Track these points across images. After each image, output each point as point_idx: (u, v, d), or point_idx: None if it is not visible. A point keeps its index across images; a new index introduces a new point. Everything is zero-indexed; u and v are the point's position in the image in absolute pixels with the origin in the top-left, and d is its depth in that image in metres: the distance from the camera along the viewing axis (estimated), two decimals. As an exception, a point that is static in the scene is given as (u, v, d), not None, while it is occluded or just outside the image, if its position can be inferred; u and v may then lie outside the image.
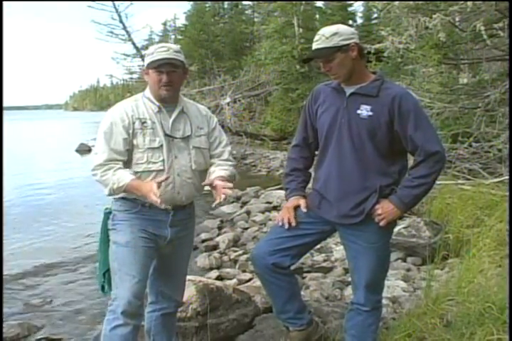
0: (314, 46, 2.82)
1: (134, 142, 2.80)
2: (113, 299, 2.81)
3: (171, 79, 2.80)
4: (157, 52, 2.79)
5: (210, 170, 3.02)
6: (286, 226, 2.95)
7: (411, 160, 2.93)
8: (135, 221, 2.85)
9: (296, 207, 3.00)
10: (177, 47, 2.90)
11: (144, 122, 2.83)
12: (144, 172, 2.80)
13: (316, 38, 2.81)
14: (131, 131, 2.80)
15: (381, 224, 2.80)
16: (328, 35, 2.76)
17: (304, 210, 2.97)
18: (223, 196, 2.70)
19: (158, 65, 2.77)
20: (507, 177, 7.08)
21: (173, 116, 2.90)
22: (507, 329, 2.81)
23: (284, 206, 3.09)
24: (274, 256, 2.90)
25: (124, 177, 2.70)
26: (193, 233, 3.20)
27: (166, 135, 2.84)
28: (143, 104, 2.89)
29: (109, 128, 2.80)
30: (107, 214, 2.94)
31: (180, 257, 3.11)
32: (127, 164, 2.83)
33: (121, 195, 2.84)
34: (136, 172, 2.79)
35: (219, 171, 2.95)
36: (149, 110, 2.87)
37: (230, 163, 3.07)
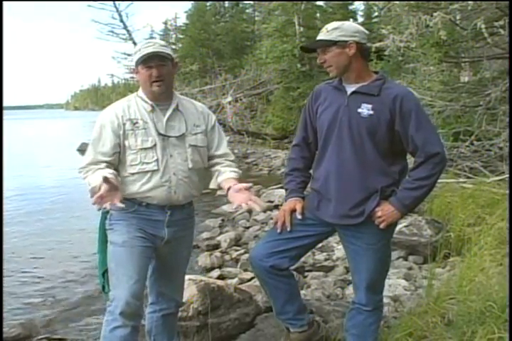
0: (317, 37, 2.85)
1: (126, 143, 2.80)
2: (111, 300, 2.79)
3: (160, 73, 2.79)
4: (143, 48, 2.79)
5: (220, 169, 3.01)
6: (279, 230, 2.95)
7: (410, 159, 2.93)
8: (132, 220, 2.84)
9: (294, 210, 2.99)
10: (162, 42, 2.93)
11: (136, 123, 2.82)
12: (139, 174, 2.80)
13: (322, 29, 2.84)
14: (121, 132, 2.79)
15: (381, 226, 2.79)
16: (330, 29, 2.78)
17: (299, 217, 2.95)
18: (245, 206, 2.69)
19: (146, 59, 2.76)
20: (508, 175, 7.08)
21: (167, 114, 2.89)
22: (507, 328, 2.80)
23: (281, 208, 3.08)
24: (272, 258, 2.89)
25: (95, 179, 2.64)
26: (192, 234, 3.19)
27: (159, 134, 2.83)
28: (135, 103, 2.88)
29: (99, 132, 2.82)
30: (105, 214, 2.93)
31: (179, 258, 3.10)
32: (120, 166, 2.83)
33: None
34: (131, 174, 2.80)
35: (230, 173, 2.96)
36: (141, 110, 2.86)
37: (235, 164, 3.09)
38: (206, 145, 3.01)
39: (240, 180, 2.96)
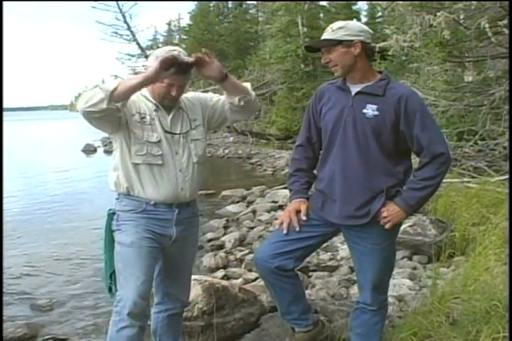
0: (321, 37, 2.84)
1: (134, 131, 2.78)
2: (118, 300, 2.79)
3: (179, 93, 2.82)
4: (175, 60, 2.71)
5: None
6: (285, 231, 2.94)
7: (414, 159, 2.93)
8: (140, 221, 2.84)
9: (298, 211, 2.98)
10: (185, 54, 2.83)
11: (144, 117, 2.82)
12: (144, 165, 2.79)
13: (326, 29, 2.84)
14: (129, 117, 2.77)
15: (386, 226, 2.79)
16: (334, 28, 2.77)
17: (304, 218, 2.94)
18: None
19: (171, 76, 2.73)
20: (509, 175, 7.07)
21: (172, 113, 2.90)
22: (507, 327, 2.80)
23: (286, 209, 3.08)
24: (277, 259, 2.89)
25: (111, 82, 2.62)
26: (197, 232, 3.19)
27: (165, 131, 2.84)
28: (139, 101, 2.87)
29: None
30: (111, 215, 2.92)
31: (185, 257, 3.10)
32: (125, 155, 2.81)
33: (126, 191, 2.85)
34: (135, 164, 2.79)
35: None
36: (147, 107, 2.86)
37: None
38: (204, 137, 3.03)
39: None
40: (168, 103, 2.85)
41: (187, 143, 2.91)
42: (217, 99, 3.08)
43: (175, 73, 2.67)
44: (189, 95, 3.11)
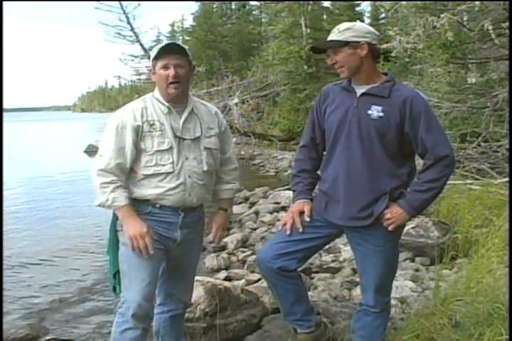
0: (328, 38, 2.84)
1: (142, 146, 2.77)
2: (122, 301, 2.80)
3: (177, 74, 2.75)
4: (161, 43, 2.80)
5: (217, 188, 3.14)
6: (288, 232, 2.94)
7: (418, 161, 2.92)
8: (145, 222, 2.84)
9: (302, 212, 2.98)
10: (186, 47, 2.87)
11: (153, 124, 2.79)
12: (154, 175, 2.79)
13: (332, 30, 2.84)
14: (139, 134, 2.77)
15: (390, 228, 2.79)
16: (341, 29, 2.77)
17: (307, 219, 2.94)
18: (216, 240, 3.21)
19: (165, 51, 2.74)
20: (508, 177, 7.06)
21: (183, 116, 2.86)
22: (507, 328, 2.80)
23: (289, 210, 3.08)
24: (279, 259, 2.89)
25: (120, 199, 2.72)
26: (202, 235, 3.18)
27: (176, 137, 2.82)
28: (151, 104, 2.85)
29: (118, 132, 2.76)
30: (116, 215, 2.92)
31: (189, 259, 3.09)
32: (135, 167, 2.81)
33: (133, 195, 2.83)
34: (146, 175, 2.79)
35: (225, 191, 3.17)
36: (158, 111, 2.83)
37: (235, 173, 3.21)
38: (218, 148, 3.01)
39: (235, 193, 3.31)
40: (174, 93, 2.79)
41: (198, 149, 2.89)
42: (229, 147, 3.18)
43: (164, 53, 2.72)
44: (210, 106, 3.11)
